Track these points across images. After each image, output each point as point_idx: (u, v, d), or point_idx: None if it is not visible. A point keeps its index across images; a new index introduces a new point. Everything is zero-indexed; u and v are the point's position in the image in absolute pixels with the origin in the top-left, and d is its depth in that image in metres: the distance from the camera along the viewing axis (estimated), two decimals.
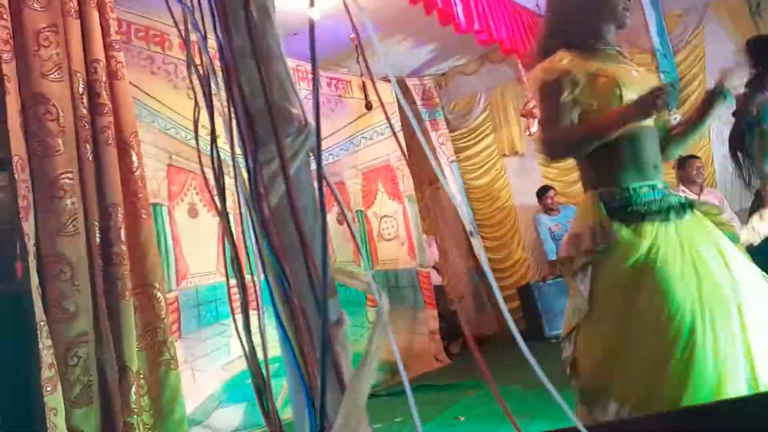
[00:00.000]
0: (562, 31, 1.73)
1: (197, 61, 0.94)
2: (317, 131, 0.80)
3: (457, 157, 6.24)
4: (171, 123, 3.43)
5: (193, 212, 3.45)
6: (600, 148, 1.62)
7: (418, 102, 6.20)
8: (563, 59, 1.66)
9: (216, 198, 0.87)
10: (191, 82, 0.93)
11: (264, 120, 0.81)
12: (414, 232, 5.22)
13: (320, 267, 0.75)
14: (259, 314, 0.79)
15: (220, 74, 0.88)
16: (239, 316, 0.86)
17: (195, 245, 3.36)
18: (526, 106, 5.17)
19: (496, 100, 6.13)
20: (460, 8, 3.95)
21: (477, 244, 5.96)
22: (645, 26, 4.66)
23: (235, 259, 0.83)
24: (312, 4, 0.88)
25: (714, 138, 4.97)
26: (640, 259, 1.51)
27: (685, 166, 4.72)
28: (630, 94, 1.62)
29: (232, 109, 0.84)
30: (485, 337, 5.98)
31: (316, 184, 0.79)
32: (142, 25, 3.50)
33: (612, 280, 1.55)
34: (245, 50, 0.83)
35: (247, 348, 0.79)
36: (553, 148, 1.68)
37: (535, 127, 4.90)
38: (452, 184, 6.04)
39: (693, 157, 4.74)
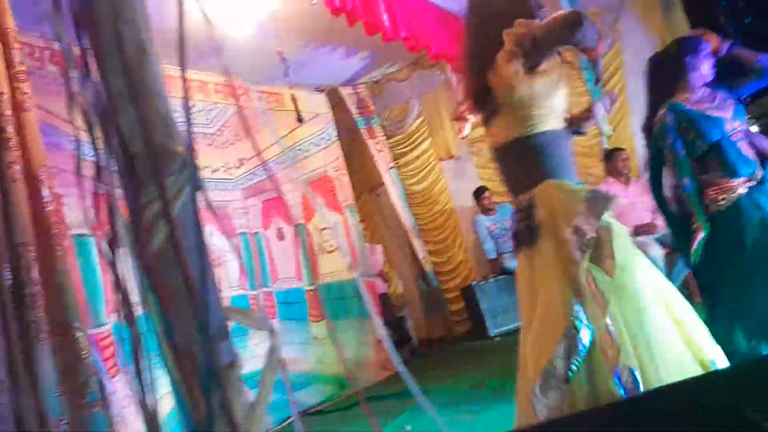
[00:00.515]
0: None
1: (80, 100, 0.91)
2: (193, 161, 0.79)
3: (396, 163, 6.27)
4: (90, 149, 3.30)
5: (120, 241, 3.33)
6: (526, 155, 1.72)
7: (354, 111, 6.20)
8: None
9: (103, 245, 0.84)
10: (71, 123, 0.89)
11: (144, 161, 0.79)
12: (356, 242, 5.21)
13: (206, 309, 0.73)
14: (137, 364, 0.76)
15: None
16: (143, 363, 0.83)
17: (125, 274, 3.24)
18: (458, 109, 5.24)
19: (430, 106, 6.20)
20: (386, 17, 3.97)
21: (418, 244, 6.00)
22: None
23: (125, 306, 0.80)
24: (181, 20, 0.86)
25: (636, 130, 5.17)
26: None
27: (611, 159, 4.90)
28: None
29: (110, 152, 0.81)
30: (436, 339, 6.04)
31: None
32: (56, 49, 3.37)
33: None
34: (121, 89, 0.80)
35: (138, 397, 0.77)
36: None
37: (467, 130, 4.97)
38: (393, 191, 6.07)
39: (618, 149, 4.93)
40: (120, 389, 3.11)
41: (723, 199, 2.57)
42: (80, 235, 3.13)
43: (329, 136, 5.45)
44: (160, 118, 0.81)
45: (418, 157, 6.25)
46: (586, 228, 1.57)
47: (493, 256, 5.51)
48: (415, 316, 6.01)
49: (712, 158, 2.59)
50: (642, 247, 4.36)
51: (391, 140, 6.33)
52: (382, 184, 6.14)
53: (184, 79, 0.82)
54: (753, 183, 2.53)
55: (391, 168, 6.21)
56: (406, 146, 6.29)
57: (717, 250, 2.54)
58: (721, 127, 2.58)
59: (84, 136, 0.91)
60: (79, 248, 3.12)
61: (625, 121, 5.23)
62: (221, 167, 4.43)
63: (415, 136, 6.25)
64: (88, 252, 3.19)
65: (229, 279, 4.17)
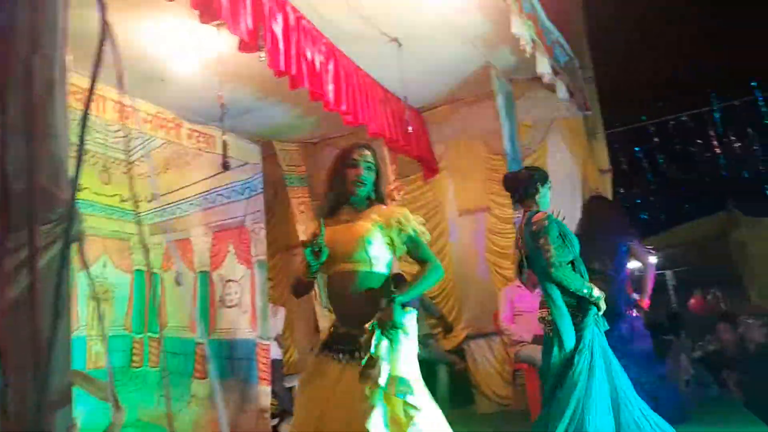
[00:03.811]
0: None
1: None
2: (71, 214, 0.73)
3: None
4: None
5: None
6: None
7: (284, 166, 6.18)
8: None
9: None
10: None
11: (22, 203, 0.72)
12: (259, 300, 5.01)
13: (50, 371, 0.66)
14: None
15: None
16: None
17: None
18: (388, 187, 5.35)
19: None
20: (330, 87, 4.04)
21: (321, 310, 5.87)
22: (500, 132, 5.07)
23: None
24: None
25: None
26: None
27: (521, 267, 5.08)
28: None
29: None
30: None
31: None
32: None
33: None
34: (18, 125, 0.75)
35: None
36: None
37: None
38: None
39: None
40: None
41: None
42: None
43: (254, 187, 5.35)
44: (50, 161, 0.76)
45: None
46: None
47: None
48: None
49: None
50: (535, 355, 4.51)
51: (317, 203, 6.32)
52: (299, 245, 6.04)
53: (86, 114, 0.77)
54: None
55: None
56: None
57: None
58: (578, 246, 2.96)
59: None
60: None
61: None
62: (131, 198, 4.22)
63: None
64: None
65: (115, 317, 3.89)
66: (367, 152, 2.24)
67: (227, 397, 4.40)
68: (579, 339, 2.88)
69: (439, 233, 5.77)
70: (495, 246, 5.65)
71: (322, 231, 2.04)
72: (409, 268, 3.48)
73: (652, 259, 4.75)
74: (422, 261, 2.18)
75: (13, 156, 0.72)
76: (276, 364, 5.08)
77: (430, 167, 5.85)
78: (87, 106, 0.69)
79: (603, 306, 2.99)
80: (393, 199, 5.26)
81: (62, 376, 0.67)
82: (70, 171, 0.76)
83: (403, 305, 2.04)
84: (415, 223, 2.15)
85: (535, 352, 4.55)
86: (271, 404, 4.88)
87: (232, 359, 4.60)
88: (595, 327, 2.94)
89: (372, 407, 1.87)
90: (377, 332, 1.94)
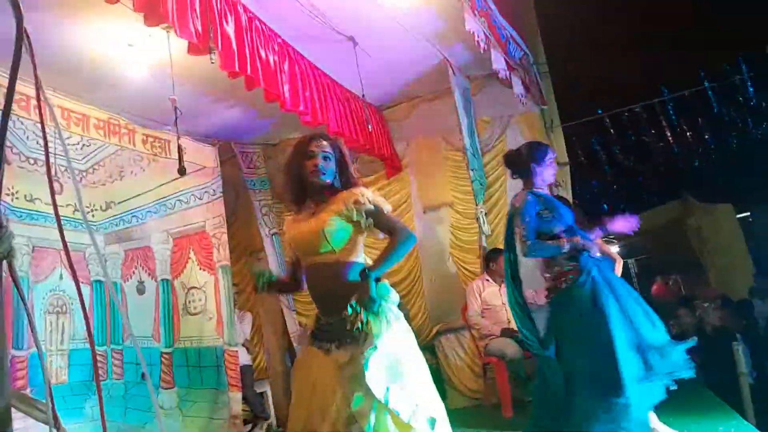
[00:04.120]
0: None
1: None
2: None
3: (279, 229, 6.17)
4: None
5: None
6: None
7: (244, 169, 6.10)
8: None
9: None
10: None
11: None
12: (225, 306, 4.91)
13: None
14: None
15: None
16: None
17: None
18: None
19: None
20: (287, 87, 3.99)
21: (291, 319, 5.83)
22: (459, 128, 5.11)
23: None
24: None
25: None
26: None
27: (488, 259, 5.11)
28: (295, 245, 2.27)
29: None
30: None
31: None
32: None
33: None
34: None
35: None
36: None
37: None
38: (272, 257, 5.93)
39: (495, 250, 5.16)
40: None
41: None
42: None
43: (213, 191, 5.25)
44: None
45: None
46: None
47: None
48: (277, 394, 5.73)
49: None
50: (503, 349, 4.54)
51: (280, 205, 6.25)
52: (263, 249, 5.98)
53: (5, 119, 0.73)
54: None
55: (274, 234, 6.09)
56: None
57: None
58: (572, 216, 2.95)
59: None
60: None
61: (504, 224, 5.52)
62: (85, 207, 4.10)
63: None
64: None
65: (75, 330, 3.77)
66: (324, 142, 2.23)
67: (195, 405, 4.31)
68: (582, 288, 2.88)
69: None
70: (458, 241, 5.69)
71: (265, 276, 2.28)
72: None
73: (615, 249, 4.86)
74: (390, 231, 2.17)
75: None
76: (245, 370, 5.00)
77: (392, 165, 5.85)
78: (7, 111, 0.65)
79: (595, 250, 2.96)
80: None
81: (1, 398, 0.63)
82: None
83: (377, 279, 2.08)
84: (371, 196, 2.14)
85: (504, 345, 4.60)
86: (243, 410, 4.81)
87: (200, 367, 4.51)
88: (594, 266, 2.92)
89: (362, 390, 1.92)
90: (361, 311, 2.01)
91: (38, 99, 0.72)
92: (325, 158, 2.19)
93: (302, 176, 2.21)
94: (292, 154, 2.28)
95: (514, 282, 3.14)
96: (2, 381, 0.65)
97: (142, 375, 4.14)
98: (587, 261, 2.93)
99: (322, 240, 2.10)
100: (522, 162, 3.21)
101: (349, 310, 2.01)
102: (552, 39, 6.35)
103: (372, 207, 2.12)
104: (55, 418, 0.65)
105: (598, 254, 3.00)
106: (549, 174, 3.21)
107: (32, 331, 0.80)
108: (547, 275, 3.07)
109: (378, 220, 2.14)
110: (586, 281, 2.89)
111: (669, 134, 11.32)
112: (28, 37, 0.68)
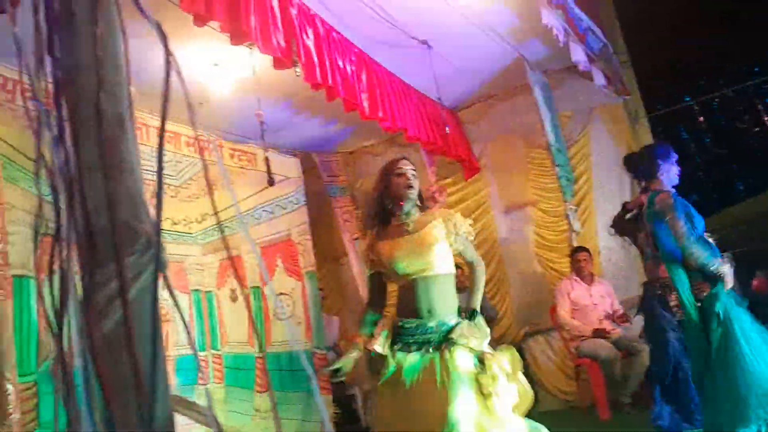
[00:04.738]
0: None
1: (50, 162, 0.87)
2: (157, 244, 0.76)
3: (362, 234, 6.27)
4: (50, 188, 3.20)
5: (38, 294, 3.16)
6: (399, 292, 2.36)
7: (324, 177, 6.25)
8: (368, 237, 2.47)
9: (52, 320, 0.79)
10: (37, 187, 0.85)
11: (106, 237, 0.75)
12: (312, 311, 5.07)
13: (150, 403, 0.68)
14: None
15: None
16: None
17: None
18: (429, 189, 5.34)
19: None
20: (365, 96, 4.07)
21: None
22: (541, 124, 5.01)
23: (64, 391, 0.74)
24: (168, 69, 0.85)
25: (600, 230, 5.33)
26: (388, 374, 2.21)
27: (572, 257, 5.00)
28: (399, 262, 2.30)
29: (71, 224, 0.78)
30: None
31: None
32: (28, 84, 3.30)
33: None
34: (93, 162, 0.78)
35: None
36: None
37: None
38: (355, 263, 6.03)
39: (580, 249, 5.03)
40: None
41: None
42: (20, 276, 2.97)
43: (297, 200, 5.43)
44: (128, 195, 0.78)
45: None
46: None
47: None
48: (365, 397, 5.82)
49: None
50: (596, 349, 4.42)
51: (359, 211, 6.36)
52: (346, 254, 6.10)
53: (161, 146, 0.80)
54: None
55: (356, 239, 6.20)
56: None
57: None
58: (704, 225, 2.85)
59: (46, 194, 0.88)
60: (17, 289, 2.94)
61: (591, 220, 5.37)
62: (182, 221, 4.34)
63: None
64: (27, 294, 3.02)
65: (179, 337, 4.00)
66: (409, 163, 2.44)
67: (290, 409, 4.45)
68: (713, 314, 2.79)
69: (488, 232, 5.72)
70: (544, 240, 5.57)
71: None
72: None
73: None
74: (470, 262, 2.47)
75: (93, 192, 0.74)
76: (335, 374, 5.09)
77: (470, 166, 5.81)
78: (161, 142, 0.71)
79: (730, 281, 2.87)
80: (435, 202, 5.25)
81: (164, 403, 0.69)
82: (147, 204, 0.79)
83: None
84: (466, 226, 2.36)
85: (597, 345, 4.47)
86: (334, 413, 4.93)
87: (292, 371, 4.66)
88: (727, 297, 2.84)
89: (456, 393, 2.03)
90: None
91: (162, 126, 0.78)
92: (413, 176, 2.39)
93: (391, 194, 2.36)
94: (381, 175, 2.44)
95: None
96: (165, 387, 0.71)
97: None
98: (720, 295, 2.84)
99: (432, 253, 2.26)
100: (647, 161, 3.14)
101: (457, 320, 2.22)
102: (631, 26, 6.11)
103: (464, 236, 2.35)
104: (215, 419, 0.70)
105: (730, 285, 2.88)
106: (674, 174, 3.13)
107: (188, 336, 0.86)
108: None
109: (465, 248, 2.40)
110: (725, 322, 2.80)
111: (765, 118, 10.56)
112: (173, 61, 0.75)
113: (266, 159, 4.09)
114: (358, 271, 5.96)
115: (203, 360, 4.04)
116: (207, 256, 4.45)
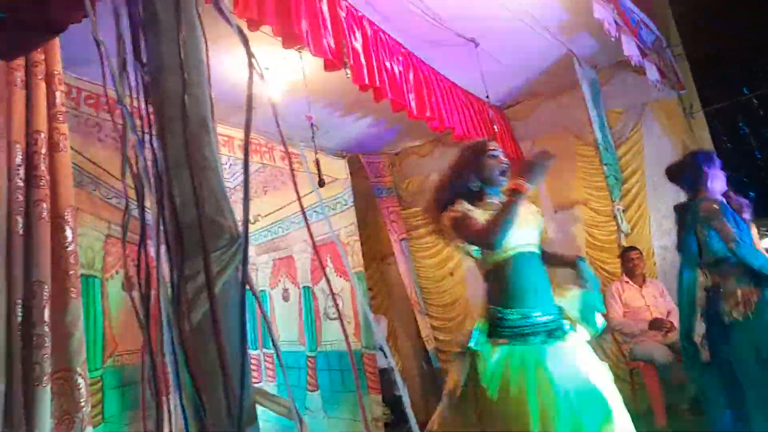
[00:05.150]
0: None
1: (134, 162, 0.92)
2: (245, 241, 0.78)
3: (408, 235, 6.28)
4: (113, 191, 3.34)
5: (127, 286, 3.31)
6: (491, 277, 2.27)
7: (371, 178, 6.29)
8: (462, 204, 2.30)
9: (139, 312, 0.83)
10: (124, 186, 0.90)
11: (193, 233, 0.79)
12: (360, 311, 5.12)
13: (238, 393, 0.71)
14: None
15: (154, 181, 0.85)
16: None
17: (125, 320, 3.19)
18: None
19: None
20: (412, 96, 4.07)
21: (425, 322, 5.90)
22: (589, 122, 4.92)
23: (152, 380, 0.78)
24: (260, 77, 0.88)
25: (654, 230, 5.18)
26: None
27: (623, 259, 4.87)
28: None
29: (160, 219, 0.81)
30: None
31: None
32: (93, 92, 3.45)
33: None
34: (180, 160, 0.81)
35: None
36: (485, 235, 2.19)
37: None
38: (402, 262, 6.04)
39: (630, 249, 4.89)
40: None
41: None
42: (86, 276, 3.10)
43: (345, 201, 5.49)
44: (212, 192, 0.82)
45: (432, 231, 6.24)
46: None
47: None
48: (414, 397, 5.82)
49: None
50: (652, 352, 4.29)
51: (406, 212, 6.37)
52: (393, 254, 6.12)
53: (247, 153, 0.82)
54: None
55: (403, 239, 6.21)
56: (421, 219, 6.31)
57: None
58: (751, 237, 2.74)
59: (131, 195, 0.92)
60: (84, 288, 3.08)
61: (644, 220, 5.22)
62: (238, 222, 4.44)
63: None
64: (93, 293, 3.16)
65: None
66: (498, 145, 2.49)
67: (339, 408, 4.51)
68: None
69: None
70: (595, 240, 5.45)
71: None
72: None
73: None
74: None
75: (180, 189, 0.78)
76: (383, 373, 5.15)
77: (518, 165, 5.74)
78: (247, 140, 0.74)
79: None
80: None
81: (248, 394, 0.72)
82: (230, 201, 0.82)
83: None
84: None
85: (652, 348, 4.34)
86: (383, 413, 4.95)
87: (342, 370, 4.71)
88: None
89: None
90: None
91: (247, 125, 0.81)
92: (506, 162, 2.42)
93: (486, 174, 2.36)
94: (472, 154, 2.42)
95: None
96: (246, 378, 0.73)
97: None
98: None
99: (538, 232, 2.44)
100: (692, 169, 3.02)
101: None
102: (686, 18, 5.91)
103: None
104: (297, 412, 0.72)
105: None
106: (720, 184, 3.00)
107: (270, 333, 0.89)
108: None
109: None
110: None
111: None
112: (255, 65, 0.77)
113: (317, 161, 4.15)
114: (404, 270, 5.97)
115: (255, 358, 4.13)
116: (261, 256, 4.54)
